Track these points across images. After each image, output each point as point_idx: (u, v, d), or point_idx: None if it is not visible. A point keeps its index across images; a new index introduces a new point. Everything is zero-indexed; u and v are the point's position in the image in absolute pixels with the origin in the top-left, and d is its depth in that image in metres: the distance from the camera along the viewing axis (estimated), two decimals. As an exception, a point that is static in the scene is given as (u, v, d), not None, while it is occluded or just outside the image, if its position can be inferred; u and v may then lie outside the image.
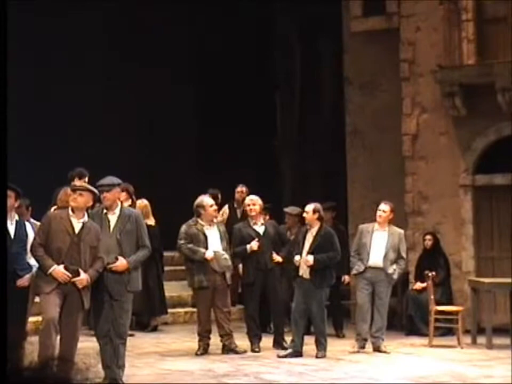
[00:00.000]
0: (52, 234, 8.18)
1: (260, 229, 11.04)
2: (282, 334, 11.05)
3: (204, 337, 10.61)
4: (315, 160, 16.30)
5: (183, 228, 10.71)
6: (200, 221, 10.66)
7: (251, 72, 16.30)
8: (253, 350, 10.78)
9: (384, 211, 11.07)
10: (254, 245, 10.84)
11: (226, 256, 10.60)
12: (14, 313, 8.56)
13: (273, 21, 16.63)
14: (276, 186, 15.53)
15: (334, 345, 11.01)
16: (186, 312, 13.08)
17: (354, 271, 11.18)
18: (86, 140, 14.57)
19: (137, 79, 15.34)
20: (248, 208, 11.11)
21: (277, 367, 9.96)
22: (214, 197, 13.40)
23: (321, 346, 10.51)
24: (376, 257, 11.01)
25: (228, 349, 10.61)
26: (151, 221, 11.88)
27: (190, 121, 16.31)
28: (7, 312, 2.74)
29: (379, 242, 11.06)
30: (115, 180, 8.80)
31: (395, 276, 11.06)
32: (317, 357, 10.40)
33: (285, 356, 10.39)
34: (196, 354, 10.45)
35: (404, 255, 11.19)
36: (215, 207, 10.86)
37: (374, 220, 11.22)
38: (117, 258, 8.47)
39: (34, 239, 8.38)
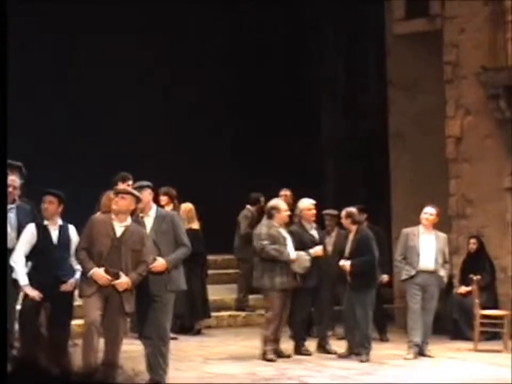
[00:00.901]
0: (94, 238, 8.25)
1: (315, 233, 11.03)
2: (326, 338, 11.02)
3: (275, 341, 10.51)
4: (358, 162, 16.25)
5: (263, 229, 10.53)
6: (274, 223, 10.62)
7: (295, 74, 16.27)
8: (301, 353, 10.74)
9: (431, 214, 11.02)
10: (319, 250, 10.80)
11: (307, 257, 10.62)
12: (59, 319, 8.66)
13: (317, 23, 16.60)
14: (319, 189, 15.48)
15: (377, 349, 10.96)
16: (229, 316, 13.10)
17: (404, 276, 11.08)
18: (123, 144, 14.65)
19: (172, 80, 15.39)
20: (309, 212, 11.02)
21: (320, 371, 9.94)
22: (256, 200, 13.44)
23: (364, 350, 10.47)
24: (427, 261, 10.96)
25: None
26: (196, 225, 11.91)
27: (232, 123, 16.32)
28: (7, 312, 2.77)
29: (428, 246, 11.01)
30: (144, 182, 8.84)
31: (446, 279, 11.04)
32: (361, 361, 10.36)
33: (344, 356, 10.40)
34: (267, 359, 10.29)
35: (448, 259, 11.17)
36: (288, 211, 10.79)
37: (418, 223, 11.16)
38: (155, 259, 8.51)
39: (78, 243, 8.46)
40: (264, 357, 10.36)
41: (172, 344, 8.97)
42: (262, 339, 10.48)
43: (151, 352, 8.56)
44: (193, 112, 15.74)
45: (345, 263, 10.54)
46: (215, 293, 12.73)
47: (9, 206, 8.99)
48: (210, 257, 13.29)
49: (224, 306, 13.28)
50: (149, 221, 8.66)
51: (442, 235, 11.18)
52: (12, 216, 9.01)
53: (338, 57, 16.75)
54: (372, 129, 16.03)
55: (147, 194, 8.66)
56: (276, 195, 13.56)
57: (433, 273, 10.92)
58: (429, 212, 11.04)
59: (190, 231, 11.70)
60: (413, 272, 10.96)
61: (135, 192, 8.54)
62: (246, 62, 16.24)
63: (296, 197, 11.74)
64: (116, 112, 14.90)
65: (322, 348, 10.91)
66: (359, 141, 16.33)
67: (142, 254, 8.33)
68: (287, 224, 10.92)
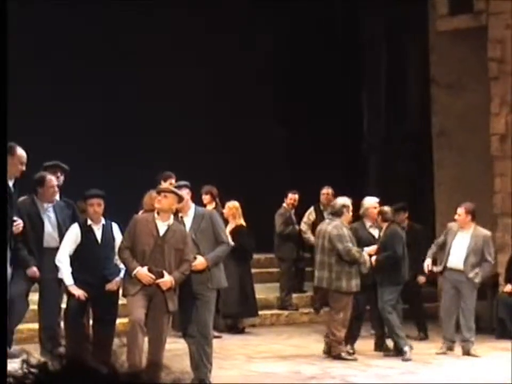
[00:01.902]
0: (137, 237, 8.29)
1: (375, 232, 10.99)
2: (383, 336, 10.95)
3: (344, 342, 10.49)
4: (402, 161, 16.15)
5: (344, 230, 10.36)
6: (345, 223, 10.55)
7: (337, 73, 16.21)
8: (347, 352, 10.71)
9: (459, 214, 10.93)
10: (372, 248, 10.75)
11: (367, 256, 10.62)
12: (104, 318, 8.73)
13: (359, 21, 16.52)
14: (362, 187, 15.41)
15: (421, 349, 10.91)
16: (272, 315, 13.09)
17: (434, 269, 11.10)
18: (165, 143, 14.71)
19: (216, 79, 15.42)
20: (374, 211, 10.93)
21: (364, 370, 9.90)
22: (290, 199, 13.40)
23: (397, 347, 10.48)
24: (456, 259, 10.87)
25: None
26: (242, 222, 11.92)
27: (275, 122, 16.31)
28: (7, 313, 2.79)
29: (461, 244, 10.90)
30: (182, 182, 8.87)
31: (477, 280, 10.86)
32: (402, 359, 10.33)
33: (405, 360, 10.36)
34: (343, 359, 10.34)
35: (489, 258, 10.96)
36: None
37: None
38: (195, 258, 8.52)
39: (122, 242, 8.51)
40: (339, 357, 10.32)
41: (216, 342, 8.99)
42: (335, 340, 10.40)
43: (194, 351, 8.59)
44: (236, 112, 15.76)
45: (371, 259, 10.61)
46: (258, 291, 12.72)
47: (48, 205, 9.08)
48: (254, 256, 13.29)
49: (268, 305, 13.28)
50: (188, 220, 8.67)
51: (483, 233, 11.00)
52: (51, 215, 9.10)
53: (380, 55, 16.65)
54: (414, 127, 15.93)
55: (185, 194, 8.68)
56: (317, 193, 13.54)
57: (463, 272, 10.81)
58: (458, 212, 10.96)
59: (237, 229, 11.74)
60: (439, 268, 10.93)
61: (177, 191, 8.58)
62: (290, 62, 16.22)
63: (337, 196, 11.68)
64: (158, 111, 14.95)
65: (380, 346, 10.85)
66: (401, 139, 16.22)
67: (185, 253, 8.35)
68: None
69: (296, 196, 13.40)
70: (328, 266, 10.38)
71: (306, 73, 16.01)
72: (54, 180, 9.08)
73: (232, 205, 11.93)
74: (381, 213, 10.80)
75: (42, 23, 13.96)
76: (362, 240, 10.75)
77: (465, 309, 10.84)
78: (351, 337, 10.76)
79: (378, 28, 16.53)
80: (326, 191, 13.43)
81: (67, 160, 9.85)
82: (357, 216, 11.06)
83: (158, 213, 8.35)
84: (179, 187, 8.73)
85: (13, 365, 1.38)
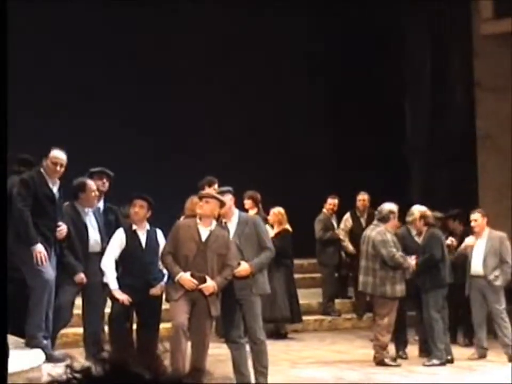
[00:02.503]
0: (180, 242, 8.31)
1: (419, 239, 10.92)
2: (428, 341, 10.86)
3: (387, 346, 10.45)
4: (446, 165, 16.01)
5: (388, 236, 10.39)
6: (389, 229, 10.52)
7: (379, 75, 16.12)
8: (400, 357, 10.66)
9: (475, 220, 10.90)
10: (412, 263, 10.66)
11: (412, 261, 10.58)
12: (148, 322, 8.77)
13: (401, 25, 16.42)
14: (404, 192, 15.31)
15: (466, 355, 10.81)
16: (315, 320, 13.06)
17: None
18: (208, 147, 14.75)
19: (261, 82, 15.45)
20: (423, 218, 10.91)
21: (407, 376, 9.84)
22: (330, 204, 13.34)
23: (432, 353, 10.39)
24: (476, 265, 10.87)
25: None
26: (286, 228, 11.90)
27: (318, 127, 16.28)
28: (7, 313, 2.80)
29: (477, 251, 10.90)
30: (225, 187, 8.85)
31: (498, 283, 10.77)
32: (424, 364, 10.29)
33: (431, 365, 10.27)
34: (387, 365, 10.24)
35: (507, 259, 10.87)
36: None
37: (509, 227, 11.02)
38: (239, 264, 8.53)
39: (164, 247, 8.54)
40: (382, 363, 10.28)
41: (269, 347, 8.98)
42: (380, 346, 10.36)
43: (238, 355, 8.59)
44: (278, 117, 15.77)
45: (412, 263, 10.54)
46: (301, 297, 12.70)
47: (88, 210, 9.14)
48: (297, 261, 13.28)
49: (310, 310, 13.24)
50: (232, 226, 8.67)
51: (498, 235, 10.95)
52: (92, 220, 9.16)
53: (423, 58, 16.54)
54: (458, 131, 15.79)
55: (228, 200, 8.68)
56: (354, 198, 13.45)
57: (484, 277, 10.76)
58: (473, 218, 10.96)
59: (280, 233, 11.73)
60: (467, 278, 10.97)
61: (219, 196, 8.59)
62: (333, 64, 16.17)
63: (380, 201, 11.61)
64: (201, 115, 15.01)
65: (425, 351, 10.77)
66: (445, 143, 16.09)
67: (227, 258, 8.36)
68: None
69: (336, 201, 13.33)
70: (372, 271, 10.37)
71: (349, 76, 15.96)
72: (94, 184, 9.14)
73: (278, 211, 11.90)
74: (422, 217, 10.73)
75: (78, 24, 14.10)
76: (407, 246, 10.69)
77: (495, 314, 10.76)
78: (401, 343, 10.73)
79: (421, 31, 16.41)
80: (362, 197, 13.33)
81: (111, 166, 9.92)
82: (402, 222, 11.04)
83: (200, 219, 8.38)
84: (222, 192, 8.73)
85: (57, 370, 1.39)
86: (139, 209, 8.87)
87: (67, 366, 1.40)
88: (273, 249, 8.79)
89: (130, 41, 14.60)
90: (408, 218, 10.88)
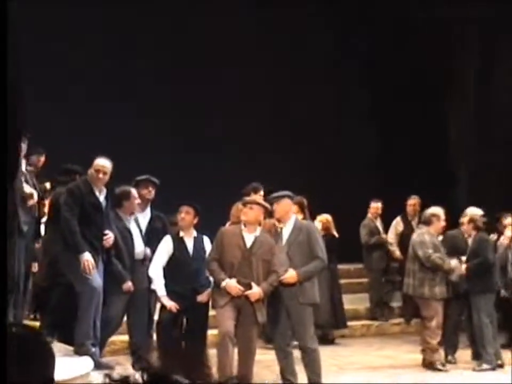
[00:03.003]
0: (225, 249, 8.33)
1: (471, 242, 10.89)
2: (478, 346, 10.77)
3: (437, 350, 10.42)
4: (492, 169, 15.85)
5: (426, 237, 10.43)
6: (432, 231, 10.53)
7: (423, 73, 16.00)
8: (449, 362, 10.57)
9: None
10: (460, 265, 10.62)
11: (460, 264, 10.55)
12: (195, 330, 8.78)
13: (447, 23, 16.27)
14: (451, 194, 15.19)
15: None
16: (363, 325, 13.00)
17: None
18: (258, 152, 14.76)
19: (310, 81, 15.45)
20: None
21: (456, 381, 9.75)
22: (378, 207, 13.28)
23: (482, 358, 10.28)
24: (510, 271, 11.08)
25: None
26: (333, 234, 11.87)
27: (364, 130, 16.19)
28: (6, 314, 2.83)
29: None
30: (284, 192, 8.84)
31: None
32: (473, 369, 10.18)
33: (481, 370, 10.17)
34: (437, 369, 10.22)
35: None
36: (444, 221, 10.62)
37: None
38: (286, 270, 8.50)
39: (209, 254, 8.56)
40: (432, 367, 10.26)
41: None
42: (429, 349, 10.35)
43: (285, 362, 8.57)
44: (324, 122, 15.75)
45: (462, 267, 10.52)
46: (347, 302, 12.66)
47: (130, 217, 9.19)
48: (343, 267, 13.23)
49: (357, 315, 13.19)
50: (286, 232, 8.65)
51: None
52: (135, 227, 9.20)
53: (469, 61, 16.39)
54: (506, 131, 15.61)
55: (286, 205, 8.65)
56: (403, 201, 13.36)
57: None
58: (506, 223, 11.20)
59: (326, 238, 11.70)
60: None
61: (263, 202, 8.60)
62: (378, 63, 16.09)
63: (426, 203, 11.54)
64: (248, 121, 15.02)
65: (478, 356, 10.67)
66: (492, 146, 15.92)
67: (272, 264, 8.36)
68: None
69: (379, 204, 13.28)
70: (412, 273, 10.49)
71: (394, 74, 15.88)
72: (136, 193, 9.19)
73: (325, 219, 11.86)
74: (472, 220, 10.70)
75: (129, 21, 14.24)
76: (457, 248, 10.66)
77: None
78: (450, 347, 10.65)
79: (469, 32, 16.26)
80: (413, 201, 13.25)
81: (162, 171, 10.00)
82: (453, 224, 11.00)
83: (244, 225, 8.39)
84: (279, 197, 8.70)
85: (95, 378, 1.40)
86: (185, 215, 8.90)
87: (106, 375, 1.40)
88: (325, 259, 8.71)
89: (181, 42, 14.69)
90: (460, 220, 10.88)
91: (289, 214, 8.72)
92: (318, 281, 8.91)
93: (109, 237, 8.70)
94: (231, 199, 9.89)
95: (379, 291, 13.29)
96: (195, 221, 8.98)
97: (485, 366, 10.25)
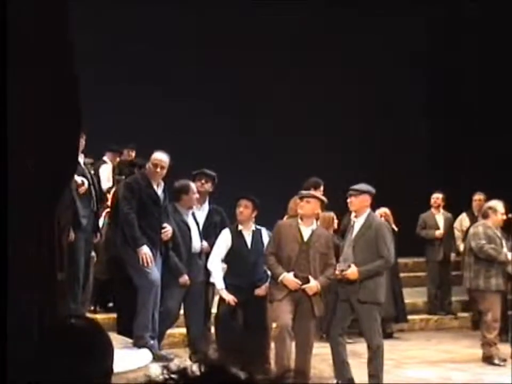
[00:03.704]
0: (282, 243, 8.32)
1: None
2: None
3: (495, 344, 10.30)
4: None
5: (480, 229, 10.35)
6: (489, 224, 10.40)
7: (498, 69, 15.78)
8: (499, 358, 10.42)
9: None
10: None
11: None
12: (253, 323, 8.80)
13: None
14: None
15: None
16: (421, 319, 12.89)
17: None
18: (322, 147, 14.74)
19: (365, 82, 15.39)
20: None
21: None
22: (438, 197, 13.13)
23: None
24: None
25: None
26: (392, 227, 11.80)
27: (419, 122, 16.07)
28: (7, 313, 2.87)
29: None
30: (365, 186, 8.74)
31: None
32: None
33: None
34: (494, 364, 10.12)
35: None
36: (504, 216, 10.45)
37: None
38: (349, 266, 8.47)
39: (267, 248, 8.57)
40: (490, 362, 10.17)
41: (362, 347, 8.93)
42: (487, 343, 10.27)
43: (339, 353, 8.55)
44: (388, 116, 15.67)
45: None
46: (406, 296, 12.57)
47: (189, 211, 9.23)
48: (402, 260, 13.13)
49: (416, 309, 13.08)
50: (357, 226, 8.60)
51: None
52: (193, 221, 9.25)
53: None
54: None
55: (364, 200, 8.58)
56: (466, 194, 13.21)
57: None
58: None
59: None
60: None
61: (320, 195, 8.57)
62: (454, 59, 15.93)
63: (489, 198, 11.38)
64: (304, 115, 15.01)
65: None
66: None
67: (329, 257, 8.34)
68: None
69: (439, 195, 13.12)
70: (468, 266, 10.45)
71: (452, 71, 15.73)
72: (195, 187, 9.24)
73: (384, 213, 11.69)
74: (502, 213, 10.62)
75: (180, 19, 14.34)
76: None
77: None
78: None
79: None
80: (478, 197, 13.12)
81: (220, 164, 10.04)
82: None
83: (301, 218, 8.38)
84: (360, 192, 8.61)
85: (154, 370, 1.42)
86: (244, 209, 8.91)
87: (164, 367, 1.42)
88: (391, 259, 8.59)
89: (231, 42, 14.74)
90: None
91: (365, 209, 8.64)
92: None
93: (167, 230, 8.76)
94: (291, 193, 9.88)
95: (433, 285, 13.14)
96: (254, 214, 8.98)
97: None
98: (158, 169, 8.63)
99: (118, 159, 12.66)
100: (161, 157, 8.68)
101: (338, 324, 8.58)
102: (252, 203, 8.94)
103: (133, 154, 12.84)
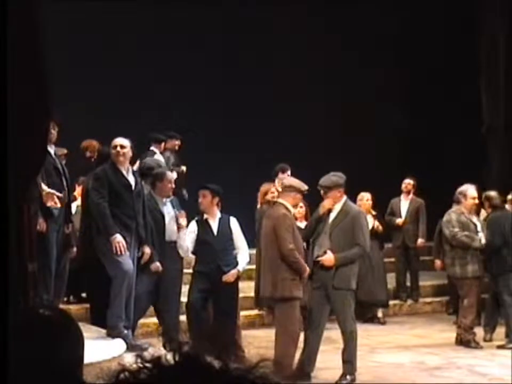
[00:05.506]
0: (295, 233, 8.54)
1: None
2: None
3: (471, 328, 10.39)
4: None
5: (453, 216, 10.34)
6: (462, 209, 10.40)
7: (455, 55, 15.86)
8: (486, 340, 10.56)
9: None
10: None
11: None
12: (224, 309, 8.81)
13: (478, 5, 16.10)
14: (484, 173, 15.04)
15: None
16: (394, 305, 12.94)
17: None
18: (305, 138, 14.74)
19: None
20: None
21: (491, 360, 9.70)
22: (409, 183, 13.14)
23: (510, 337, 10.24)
24: None
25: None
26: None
27: (394, 109, 16.09)
28: (7, 312, 2.85)
29: None
30: (331, 181, 8.68)
31: None
32: (503, 346, 10.11)
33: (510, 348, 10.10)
34: (471, 347, 10.23)
35: None
36: (476, 200, 10.46)
37: None
38: (325, 252, 8.50)
39: (285, 244, 8.46)
40: (467, 345, 10.25)
41: (337, 333, 8.95)
42: (462, 327, 10.36)
43: (315, 341, 8.59)
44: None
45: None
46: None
47: (165, 200, 9.25)
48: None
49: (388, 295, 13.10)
50: (332, 215, 8.65)
51: None
52: (170, 209, 9.27)
53: (498, 36, 16.18)
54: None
55: (335, 196, 8.60)
56: (435, 179, 13.23)
57: None
58: None
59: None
60: None
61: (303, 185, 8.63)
62: (412, 45, 15.96)
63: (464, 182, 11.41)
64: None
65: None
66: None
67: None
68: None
69: (411, 182, 13.03)
70: (444, 253, 10.64)
71: (426, 57, 15.78)
72: (171, 175, 9.26)
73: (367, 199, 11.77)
74: (487, 199, 10.69)
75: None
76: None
77: None
78: (488, 325, 10.62)
79: (496, 11, 16.07)
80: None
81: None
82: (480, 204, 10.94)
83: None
84: (328, 188, 8.66)
85: (128, 359, 1.40)
86: (202, 198, 9.08)
87: (137, 356, 1.40)
88: (366, 247, 8.68)
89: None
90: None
91: (340, 198, 8.65)
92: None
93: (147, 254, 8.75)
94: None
95: (398, 271, 13.17)
96: (215, 202, 9.05)
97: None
98: (119, 150, 8.59)
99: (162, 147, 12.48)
100: (121, 140, 8.67)
101: (317, 313, 8.62)
102: (210, 192, 9.04)
103: (177, 142, 12.73)
